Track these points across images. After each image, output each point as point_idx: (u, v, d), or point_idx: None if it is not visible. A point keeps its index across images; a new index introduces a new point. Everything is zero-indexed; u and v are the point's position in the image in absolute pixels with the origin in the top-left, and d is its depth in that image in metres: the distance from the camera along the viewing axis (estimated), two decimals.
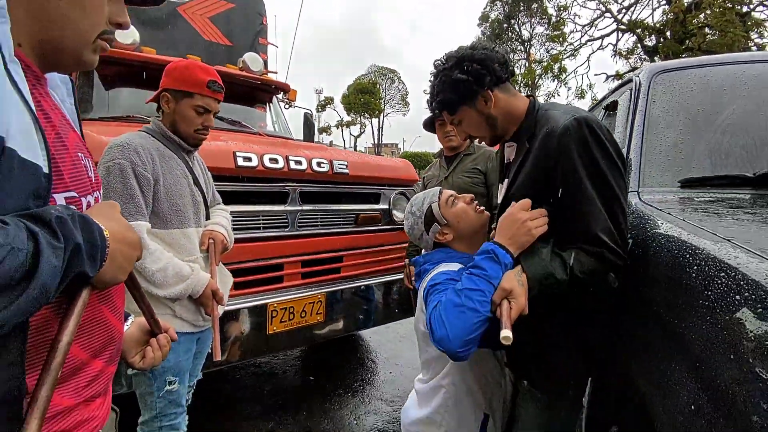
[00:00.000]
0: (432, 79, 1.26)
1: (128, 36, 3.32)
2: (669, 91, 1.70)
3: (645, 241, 1.06)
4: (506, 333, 0.91)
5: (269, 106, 4.25)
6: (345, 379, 3.08)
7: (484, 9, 32.72)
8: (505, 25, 31.20)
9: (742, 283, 0.68)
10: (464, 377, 1.24)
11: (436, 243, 1.34)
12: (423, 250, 1.43)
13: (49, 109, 0.64)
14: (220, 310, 1.53)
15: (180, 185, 1.47)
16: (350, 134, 50.20)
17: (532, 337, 1.10)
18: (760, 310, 0.63)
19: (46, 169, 0.55)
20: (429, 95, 1.30)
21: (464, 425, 1.23)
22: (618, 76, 24.97)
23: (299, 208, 2.46)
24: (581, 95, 24.51)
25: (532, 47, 30.30)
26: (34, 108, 0.56)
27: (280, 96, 4.42)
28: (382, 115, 48.16)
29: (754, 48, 20.71)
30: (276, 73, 5.64)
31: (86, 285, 0.59)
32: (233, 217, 1.87)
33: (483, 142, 1.38)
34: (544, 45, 29.23)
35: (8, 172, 0.50)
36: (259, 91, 4.08)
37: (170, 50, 4.25)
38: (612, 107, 2.16)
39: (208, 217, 1.63)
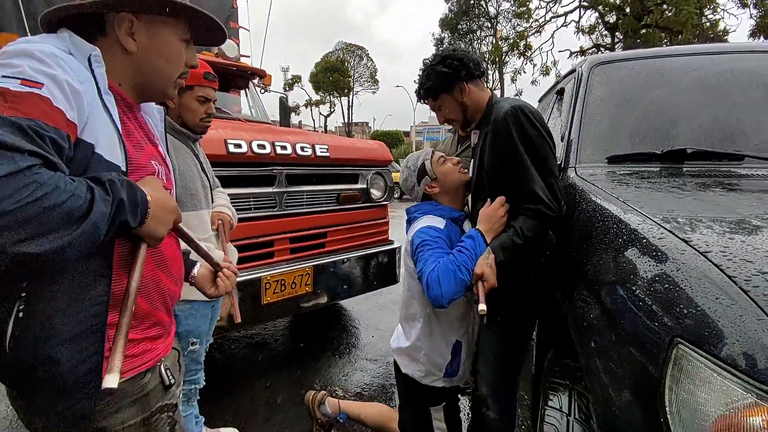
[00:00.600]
0: (420, 73, 1.56)
1: None
2: (604, 81, 2.00)
3: (574, 206, 1.37)
4: (482, 307, 1.24)
5: (246, 92, 4.37)
6: (332, 343, 3.38)
7: None
8: (472, 1, 31.20)
9: (625, 231, 0.99)
10: (437, 312, 1.54)
11: (424, 195, 1.64)
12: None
13: (134, 128, 0.88)
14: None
15: (191, 172, 1.66)
16: (320, 113, 49.57)
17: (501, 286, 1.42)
18: (635, 249, 0.93)
19: (124, 168, 0.79)
20: (417, 86, 1.58)
21: (438, 349, 1.55)
22: (582, 52, 25.61)
23: (286, 189, 2.68)
24: (546, 72, 25.07)
25: (499, 24, 30.52)
26: (120, 127, 0.81)
27: (255, 81, 4.54)
28: (351, 93, 47.68)
29: (707, 24, 21.63)
30: (249, 57, 5.71)
31: (141, 242, 0.81)
32: None
33: (456, 128, 1.68)
34: (510, 21, 29.50)
35: (96, 170, 0.74)
36: (236, 78, 4.19)
37: None
38: (561, 93, 2.47)
39: (212, 200, 1.85)
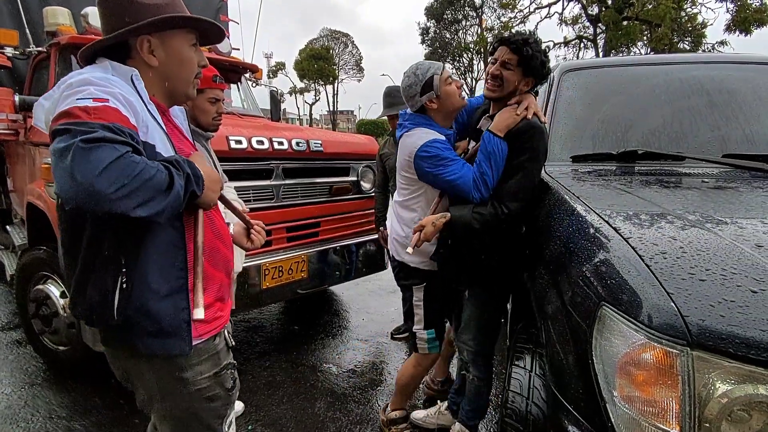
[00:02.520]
0: (534, 39, 1.59)
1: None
2: (572, 86, 2.24)
3: (541, 199, 1.61)
4: (409, 249, 1.61)
5: (238, 85, 4.50)
6: (325, 326, 3.62)
7: None
8: None
9: (574, 221, 1.23)
10: (428, 197, 1.78)
11: (419, 111, 1.75)
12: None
13: (170, 129, 1.10)
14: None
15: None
16: (304, 101, 49.15)
17: (473, 262, 1.66)
18: (580, 236, 1.17)
19: None
20: (524, 40, 1.58)
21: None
22: (565, 43, 25.95)
23: (282, 182, 2.88)
24: None
25: (484, 14, 30.63)
26: (165, 129, 1.04)
27: (247, 75, 4.67)
28: (336, 81, 47.36)
29: (685, 17, 22.13)
30: (239, 49, 5.80)
31: (198, 209, 1.05)
32: None
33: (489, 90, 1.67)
34: (495, 12, 29.64)
35: None
36: (228, 72, 4.32)
37: None
38: (536, 94, 2.70)
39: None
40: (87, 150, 0.78)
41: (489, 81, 1.66)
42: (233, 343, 1.22)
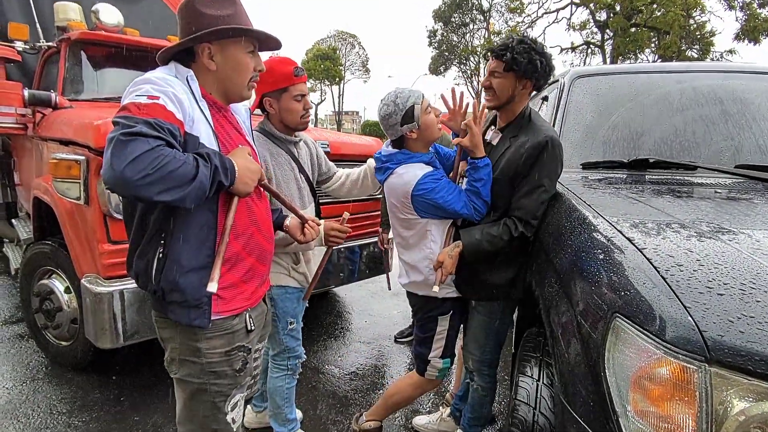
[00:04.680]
0: (518, 41, 1.58)
1: (113, 16, 3.49)
2: (583, 92, 2.23)
3: (551, 206, 1.59)
4: (435, 288, 1.60)
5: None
6: (327, 328, 3.60)
7: None
8: None
9: (586, 230, 1.21)
10: (439, 239, 1.71)
11: (398, 140, 1.69)
12: (385, 146, 1.80)
13: (225, 123, 1.24)
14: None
15: (287, 178, 1.77)
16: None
17: (480, 276, 1.65)
18: (592, 245, 1.15)
19: (217, 150, 1.15)
20: (505, 45, 1.59)
21: None
22: (573, 48, 25.91)
23: None
24: None
25: (491, 18, 30.61)
26: (212, 124, 1.17)
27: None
28: (342, 82, 47.43)
29: (694, 25, 22.05)
30: None
31: (234, 196, 1.16)
32: None
33: (487, 101, 1.69)
34: (503, 16, 29.62)
35: None
36: None
37: (144, 26, 4.39)
38: (546, 99, 2.69)
39: (313, 194, 1.93)
40: (124, 142, 0.91)
41: (484, 93, 1.69)
42: (252, 326, 1.29)
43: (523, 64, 1.55)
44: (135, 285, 1.97)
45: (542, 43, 1.65)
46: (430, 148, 1.79)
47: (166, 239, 1.11)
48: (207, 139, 1.13)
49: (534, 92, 1.68)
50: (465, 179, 1.69)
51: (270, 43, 1.28)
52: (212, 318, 1.18)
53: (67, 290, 2.55)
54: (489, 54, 1.67)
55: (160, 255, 1.11)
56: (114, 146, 0.92)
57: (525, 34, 1.68)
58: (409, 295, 1.87)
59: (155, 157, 0.93)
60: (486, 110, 1.70)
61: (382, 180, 1.75)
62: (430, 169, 1.66)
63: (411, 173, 1.63)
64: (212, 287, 1.10)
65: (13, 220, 4.00)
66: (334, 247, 1.78)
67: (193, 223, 1.12)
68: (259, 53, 1.27)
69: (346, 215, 1.72)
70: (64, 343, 2.66)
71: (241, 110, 1.37)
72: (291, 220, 1.52)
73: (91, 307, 2.14)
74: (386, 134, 1.72)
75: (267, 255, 1.34)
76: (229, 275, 1.21)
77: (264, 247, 1.31)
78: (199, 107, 1.14)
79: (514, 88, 1.61)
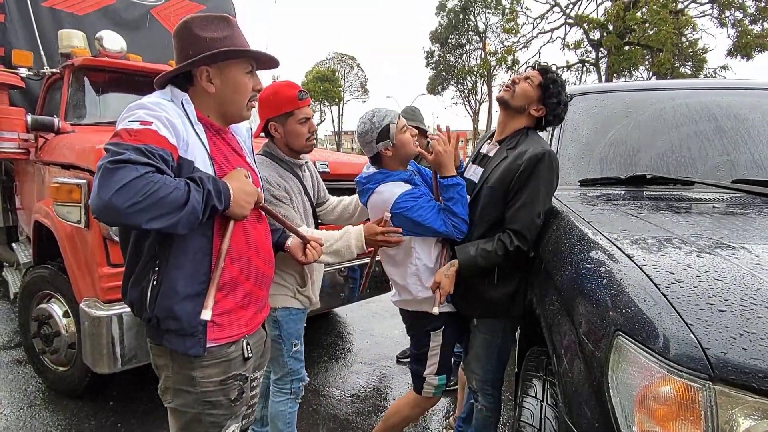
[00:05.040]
0: (562, 83, 1.67)
1: (116, 43, 3.56)
2: (580, 111, 2.25)
3: (550, 223, 1.59)
4: (436, 309, 1.58)
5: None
6: (328, 349, 3.56)
7: None
8: (462, 16, 31.89)
9: (586, 247, 1.21)
10: (424, 256, 1.73)
11: (374, 157, 1.73)
12: (365, 168, 1.83)
13: (222, 145, 1.24)
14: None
15: (297, 200, 1.77)
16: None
17: (478, 292, 1.64)
18: (592, 262, 1.15)
19: (213, 174, 1.13)
20: (555, 73, 1.68)
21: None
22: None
23: None
24: None
25: (487, 38, 31.21)
26: (209, 148, 1.16)
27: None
28: (342, 103, 48.05)
29: (686, 43, 22.46)
30: None
31: (230, 219, 1.14)
32: None
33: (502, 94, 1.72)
34: (498, 36, 30.21)
35: None
36: None
37: (147, 51, 4.48)
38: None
39: (315, 216, 1.95)
40: (112, 170, 0.90)
41: (505, 85, 1.71)
42: (249, 354, 1.25)
43: (554, 93, 1.63)
44: None
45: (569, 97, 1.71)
46: (410, 167, 1.83)
47: (160, 266, 1.09)
48: (202, 163, 1.12)
49: (536, 128, 1.71)
50: None
51: (267, 62, 1.27)
52: (208, 345, 1.15)
53: (65, 314, 2.53)
54: (536, 65, 1.72)
55: (155, 282, 1.09)
56: (102, 174, 0.91)
57: (549, 64, 1.75)
58: (402, 312, 1.89)
59: (144, 184, 0.91)
60: (458, 136, 1.71)
61: (364, 202, 1.78)
62: (408, 187, 1.68)
63: (389, 191, 1.66)
64: (206, 315, 1.07)
65: (13, 244, 4.00)
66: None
67: (188, 249, 1.11)
68: (258, 72, 1.26)
69: (388, 215, 1.71)
70: (61, 368, 2.63)
71: (242, 131, 1.37)
72: (292, 241, 1.51)
73: (89, 331, 2.12)
74: (363, 151, 1.77)
75: (266, 279, 1.31)
76: (226, 301, 1.19)
77: (263, 271, 1.29)
78: (195, 130, 1.13)
79: (531, 102, 1.66)
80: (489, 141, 1.80)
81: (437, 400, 1.91)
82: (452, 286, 1.60)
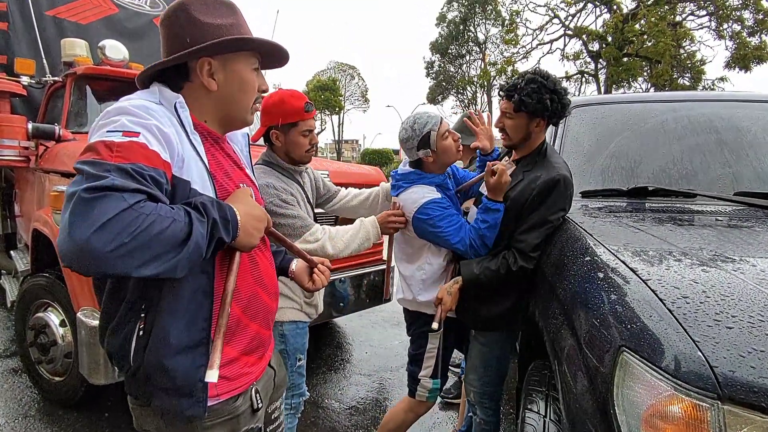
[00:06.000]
0: (525, 80, 1.56)
1: (118, 52, 3.58)
2: (581, 122, 2.25)
3: (552, 235, 1.58)
4: (434, 325, 1.58)
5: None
6: (327, 359, 3.52)
7: (442, 9, 33.69)
8: (462, 27, 32.19)
9: (589, 260, 1.20)
10: (435, 263, 1.77)
11: (415, 162, 1.75)
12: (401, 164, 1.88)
13: (222, 157, 1.02)
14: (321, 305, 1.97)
15: (301, 207, 1.73)
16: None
17: (479, 306, 1.63)
18: (596, 276, 1.14)
19: (213, 196, 0.92)
20: (514, 86, 1.58)
21: (436, 291, 1.73)
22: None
23: None
24: None
25: (487, 49, 31.47)
26: (206, 162, 0.93)
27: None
28: (342, 112, 48.29)
29: (684, 55, 22.63)
30: None
31: (235, 251, 0.92)
32: None
33: (503, 139, 1.72)
34: (498, 47, 30.46)
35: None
36: None
37: (150, 61, 4.50)
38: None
39: (315, 220, 1.91)
40: (89, 201, 0.68)
41: (500, 133, 1.71)
42: (259, 404, 1.04)
43: (532, 104, 1.54)
44: None
45: (555, 78, 1.61)
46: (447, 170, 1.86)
47: (148, 310, 0.87)
48: (200, 182, 0.90)
49: (548, 125, 1.66)
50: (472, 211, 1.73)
51: (275, 60, 1.08)
52: (209, 404, 0.92)
53: (62, 324, 2.50)
54: (500, 93, 1.66)
55: (141, 332, 0.87)
56: (75, 206, 0.68)
57: (523, 72, 1.66)
58: (404, 311, 1.91)
59: (133, 219, 0.69)
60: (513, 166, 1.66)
61: (395, 194, 1.81)
62: (438, 195, 1.68)
63: (419, 195, 1.68)
64: (212, 376, 0.85)
65: (11, 252, 3.98)
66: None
67: (184, 290, 0.88)
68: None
69: (396, 200, 1.76)
70: (57, 378, 2.59)
71: (238, 137, 1.15)
72: (297, 264, 1.28)
73: (86, 340, 2.10)
74: (406, 155, 1.79)
75: (272, 316, 1.12)
76: (229, 349, 0.96)
77: (269, 309, 1.09)
78: (191, 141, 0.91)
79: (527, 126, 1.61)
80: (506, 159, 1.78)
81: (431, 405, 1.90)
82: (455, 303, 1.60)
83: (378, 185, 3.52)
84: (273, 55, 1.07)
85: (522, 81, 1.58)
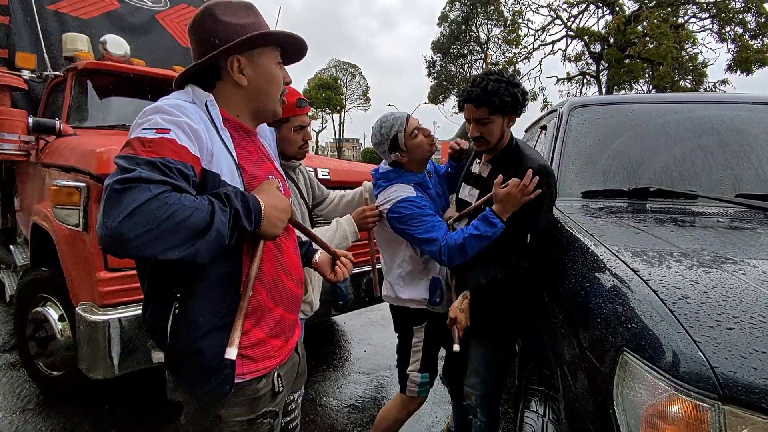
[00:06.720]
0: (494, 79, 1.54)
1: (120, 47, 3.57)
2: (581, 122, 2.25)
3: (552, 235, 1.58)
4: (456, 347, 1.54)
5: None
6: (326, 358, 3.52)
7: (444, 9, 33.64)
8: (464, 27, 32.15)
9: (590, 260, 1.20)
10: (412, 260, 1.81)
11: (393, 163, 1.78)
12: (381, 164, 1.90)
13: (252, 151, 1.08)
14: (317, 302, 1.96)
15: (293, 204, 1.70)
16: (311, 129, 49.88)
17: (480, 309, 1.62)
18: (596, 276, 1.14)
19: (242, 189, 0.98)
20: (484, 90, 1.53)
21: (417, 287, 1.81)
22: (568, 78, 26.50)
23: None
24: (534, 97, 25.82)
25: (489, 49, 31.44)
26: (235, 156, 1.00)
27: None
28: (343, 110, 48.27)
29: (686, 57, 22.62)
30: None
31: (260, 239, 0.98)
32: None
33: (478, 147, 1.68)
34: (500, 47, 30.42)
35: None
36: None
37: (151, 56, 4.49)
38: (545, 128, 2.72)
39: (311, 220, 1.94)
40: (119, 191, 0.75)
41: (474, 142, 1.66)
42: (280, 387, 1.10)
43: (510, 103, 1.55)
44: (130, 313, 1.90)
45: (509, 72, 1.63)
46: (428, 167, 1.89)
47: (181, 293, 0.95)
48: (229, 175, 0.97)
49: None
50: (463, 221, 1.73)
51: (295, 55, 1.16)
52: (236, 381, 1.00)
53: (61, 318, 2.50)
54: (466, 102, 1.57)
55: (176, 311, 0.95)
56: (108, 198, 0.76)
57: (487, 71, 1.62)
58: (390, 306, 1.96)
59: (158, 207, 0.76)
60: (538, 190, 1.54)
61: (376, 194, 1.83)
62: (413, 194, 1.70)
63: (395, 193, 1.71)
64: (231, 353, 0.90)
65: (11, 246, 3.98)
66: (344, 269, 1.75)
67: (212, 275, 0.95)
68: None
69: (367, 195, 1.78)
70: (55, 372, 2.59)
71: (266, 132, 1.24)
72: (320, 256, 1.34)
73: (85, 335, 2.09)
74: (383, 158, 1.84)
75: (297, 302, 1.17)
76: (256, 331, 1.03)
77: (294, 294, 1.14)
78: (220, 137, 0.98)
79: (502, 126, 1.61)
80: (478, 161, 1.79)
81: (422, 400, 1.92)
82: (468, 320, 1.58)
83: None
84: (293, 49, 1.13)
85: (488, 83, 1.54)
